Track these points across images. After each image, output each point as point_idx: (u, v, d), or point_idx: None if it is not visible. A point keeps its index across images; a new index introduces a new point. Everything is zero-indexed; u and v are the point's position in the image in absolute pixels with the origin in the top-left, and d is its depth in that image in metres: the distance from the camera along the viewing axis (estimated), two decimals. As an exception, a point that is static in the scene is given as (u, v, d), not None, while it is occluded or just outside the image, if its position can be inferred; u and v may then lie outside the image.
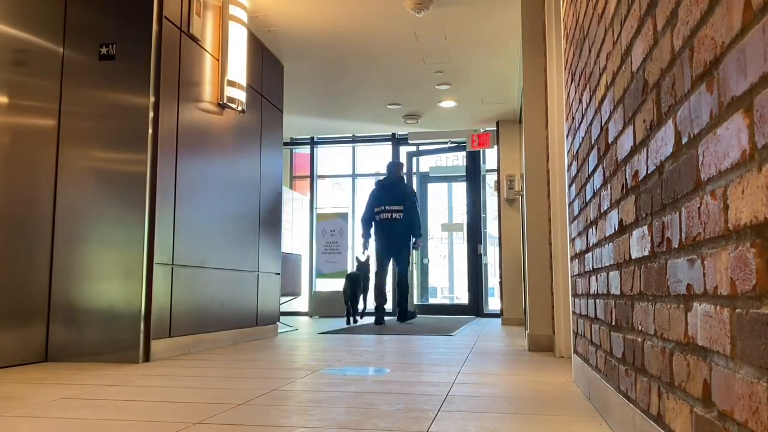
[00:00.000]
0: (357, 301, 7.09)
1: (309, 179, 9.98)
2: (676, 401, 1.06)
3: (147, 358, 3.22)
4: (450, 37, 5.51)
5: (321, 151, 10.12)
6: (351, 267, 9.70)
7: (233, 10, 4.32)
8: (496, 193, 8.22)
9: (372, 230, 7.10)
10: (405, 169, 7.98)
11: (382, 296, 6.79)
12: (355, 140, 9.78)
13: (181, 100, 3.65)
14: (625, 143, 1.44)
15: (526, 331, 4.17)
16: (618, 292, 1.58)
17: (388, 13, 5.01)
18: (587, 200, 2.09)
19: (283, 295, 6.01)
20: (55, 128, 3.36)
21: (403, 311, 7.04)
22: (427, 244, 9.72)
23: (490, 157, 9.05)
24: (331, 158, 10.43)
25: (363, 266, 7.35)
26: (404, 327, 6.23)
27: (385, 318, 7.59)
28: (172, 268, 3.50)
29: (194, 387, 2.42)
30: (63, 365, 3.08)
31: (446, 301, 10.06)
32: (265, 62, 5.20)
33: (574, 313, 2.67)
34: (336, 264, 9.52)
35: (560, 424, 1.78)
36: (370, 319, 7.62)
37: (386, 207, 7.01)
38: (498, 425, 1.75)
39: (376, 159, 10.09)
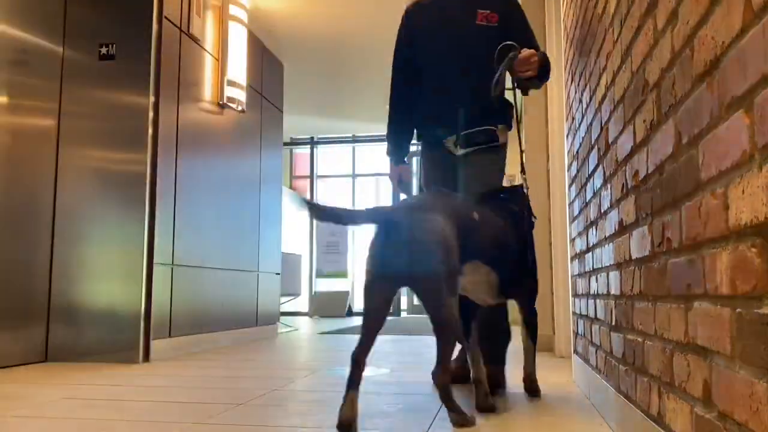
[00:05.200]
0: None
1: (309, 179, 9.99)
2: (676, 401, 1.06)
3: (147, 358, 3.21)
4: (450, 37, 5.51)
5: (321, 151, 10.12)
6: (351, 267, 9.69)
7: (233, 10, 4.32)
8: (496, 193, 8.20)
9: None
10: None
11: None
12: (355, 140, 9.78)
13: (181, 100, 3.65)
14: (625, 143, 1.44)
15: (526, 331, 4.17)
16: (618, 292, 1.58)
17: (388, 13, 5.01)
18: (587, 200, 2.09)
19: (283, 295, 6.01)
20: (55, 128, 3.36)
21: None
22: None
23: (490, 157, 9.04)
24: (331, 158, 10.43)
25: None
26: (404, 327, 6.20)
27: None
28: (172, 268, 3.50)
29: (194, 387, 2.42)
30: (63, 365, 3.08)
31: (446, 301, 10.04)
32: (265, 62, 5.19)
33: (574, 313, 2.67)
34: (336, 264, 9.52)
35: (560, 423, 1.78)
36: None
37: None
38: (498, 425, 1.75)
39: (376, 159, 10.09)
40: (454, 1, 2.61)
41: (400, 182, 2.71)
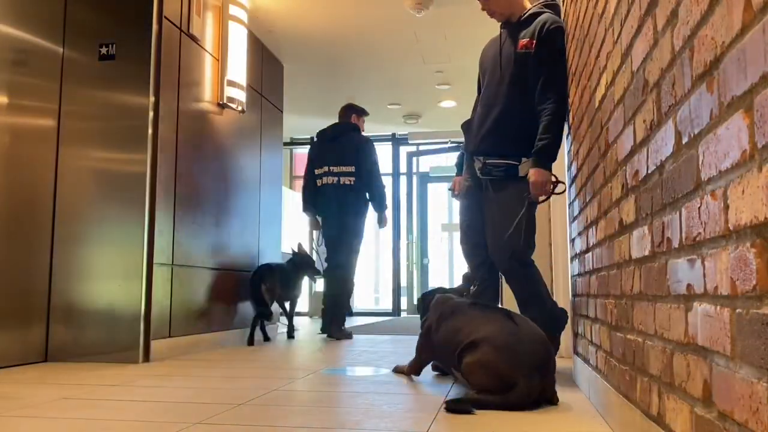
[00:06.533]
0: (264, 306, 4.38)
1: (309, 179, 9.96)
2: (676, 401, 1.06)
3: (147, 358, 3.21)
4: (450, 37, 5.51)
5: (321, 151, 10.09)
6: (351, 267, 9.64)
7: (233, 10, 4.32)
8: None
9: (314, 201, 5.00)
10: (362, 121, 5.45)
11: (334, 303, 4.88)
12: (355, 140, 9.76)
13: (181, 100, 3.65)
14: (625, 143, 1.44)
15: (526, 331, 4.16)
16: (618, 292, 1.58)
17: (388, 13, 5.00)
18: (587, 200, 2.09)
19: (283, 295, 5.99)
20: (55, 128, 3.36)
21: (330, 324, 4.84)
22: (427, 243, 9.71)
23: (490, 157, 9.03)
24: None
25: (295, 256, 4.91)
26: (404, 327, 6.21)
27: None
28: (172, 268, 3.50)
29: (194, 387, 2.42)
30: (63, 365, 3.08)
31: (446, 301, 10.04)
32: (265, 62, 5.19)
33: (574, 313, 2.67)
34: (336, 264, 9.49)
35: (560, 423, 1.78)
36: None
37: (331, 168, 4.90)
38: (498, 425, 1.75)
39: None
40: (510, 32, 2.75)
41: (451, 190, 3.11)
